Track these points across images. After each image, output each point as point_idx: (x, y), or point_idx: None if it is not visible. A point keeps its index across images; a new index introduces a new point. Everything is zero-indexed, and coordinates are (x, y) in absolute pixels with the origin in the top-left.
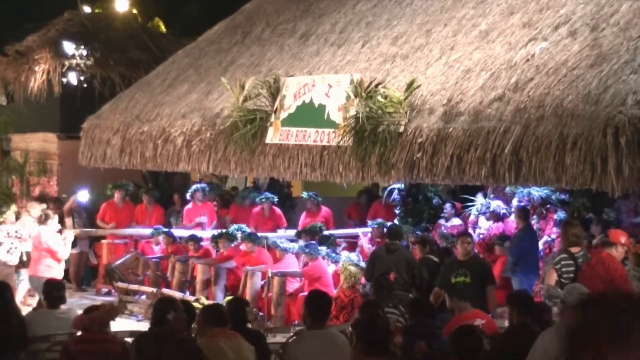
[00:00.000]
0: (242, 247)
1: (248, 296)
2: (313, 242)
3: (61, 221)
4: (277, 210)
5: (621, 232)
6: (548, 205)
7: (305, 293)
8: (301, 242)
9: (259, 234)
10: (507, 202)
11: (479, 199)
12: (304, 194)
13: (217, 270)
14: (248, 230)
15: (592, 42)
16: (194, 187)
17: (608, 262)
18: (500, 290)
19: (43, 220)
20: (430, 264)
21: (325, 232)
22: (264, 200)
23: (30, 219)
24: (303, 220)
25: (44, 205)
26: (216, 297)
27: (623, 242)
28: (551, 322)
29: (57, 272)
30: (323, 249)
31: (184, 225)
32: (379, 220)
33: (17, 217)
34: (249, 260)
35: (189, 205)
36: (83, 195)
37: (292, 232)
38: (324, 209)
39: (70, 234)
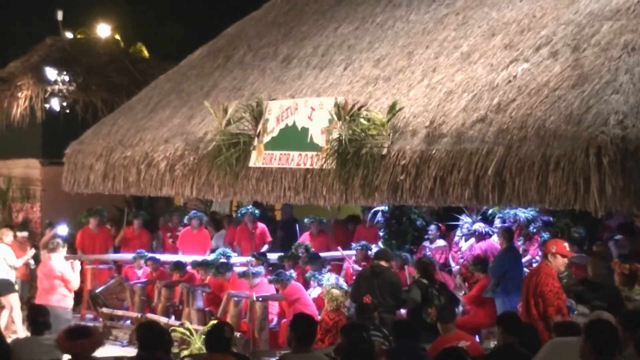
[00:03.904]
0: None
1: (229, 320)
2: (281, 270)
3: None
4: (261, 225)
5: (554, 241)
6: (534, 226)
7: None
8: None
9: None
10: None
11: (465, 218)
12: (306, 220)
13: (193, 292)
14: (231, 253)
15: (574, 63)
16: (190, 213)
17: (543, 275)
18: (484, 311)
19: (54, 247)
20: (421, 286)
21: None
22: (245, 212)
23: (3, 246)
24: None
25: (24, 233)
26: (192, 320)
27: (554, 251)
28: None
29: (70, 301)
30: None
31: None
32: (363, 242)
33: None
34: (226, 286)
35: (184, 231)
36: (62, 230)
37: (274, 256)
38: (325, 234)
39: (77, 262)
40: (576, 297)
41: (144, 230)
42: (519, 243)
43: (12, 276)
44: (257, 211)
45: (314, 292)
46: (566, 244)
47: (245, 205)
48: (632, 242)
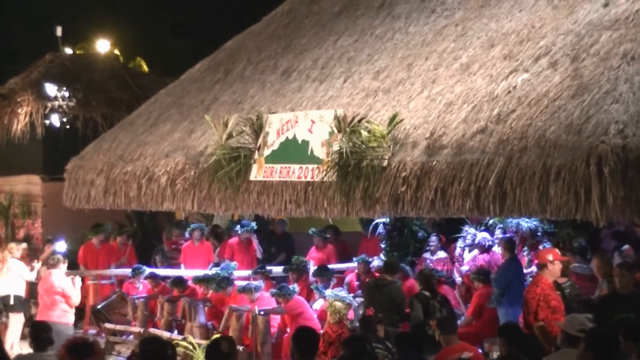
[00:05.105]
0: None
1: (231, 334)
2: (284, 284)
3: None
4: (254, 240)
5: (548, 250)
6: (538, 234)
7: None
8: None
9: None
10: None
11: (470, 230)
12: (311, 231)
13: (195, 306)
14: (235, 266)
15: (573, 73)
16: (192, 226)
17: (532, 284)
18: (483, 321)
19: (54, 263)
20: (422, 298)
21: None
22: (248, 230)
23: (16, 261)
24: (310, 255)
25: (23, 245)
26: (195, 334)
27: (551, 259)
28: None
29: (72, 316)
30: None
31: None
32: (362, 256)
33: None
34: (227, 300)
35: (187, 244)
36: (61, 246)
37: (279, 269)
38: (330, 246)
39: (78, 278)
40: (580, 307)
41: (129, 246)
42: (524, 254)
43: (23, 293)
44: (255, 226)
45: (317, 304)
46: (556, 250)
47: (242, 220)
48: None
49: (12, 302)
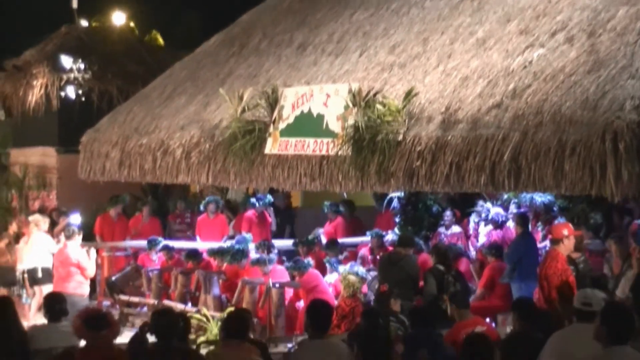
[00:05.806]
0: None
1: (244, 307)
2: (298, 257)
3: None
4: (268, 216)
5: (563, 225)
6: (554, 210)
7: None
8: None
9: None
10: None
11: (487, 204)
12: (324, 204)
13: (210, 279)
14: (250, 238)
15: (589, 48)
16: (207, 199)
17: (548, 259)
18: (495, 295)
19: (70, 235)
20: (436, 273)
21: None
22: (265, 204)
23: (42, 234)
24: (325, 229)
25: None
26: (209, 306)
27: (566, 234)
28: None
29: (87, 288)
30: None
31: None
32: (376, 230)
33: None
34: (242, 273)
35: (202, 217)
36: (75, 218)
37: (287, 242)
38: (339, 219)
39: (93, 250)
40: (593, 283)
41: (154, 218)
42: (539, 229)
43: (50, 264)
44: (270, 199)
45: (330, 277)
46: (570, 225)
47: (258, 194)
48: None
49: (39, 274)
